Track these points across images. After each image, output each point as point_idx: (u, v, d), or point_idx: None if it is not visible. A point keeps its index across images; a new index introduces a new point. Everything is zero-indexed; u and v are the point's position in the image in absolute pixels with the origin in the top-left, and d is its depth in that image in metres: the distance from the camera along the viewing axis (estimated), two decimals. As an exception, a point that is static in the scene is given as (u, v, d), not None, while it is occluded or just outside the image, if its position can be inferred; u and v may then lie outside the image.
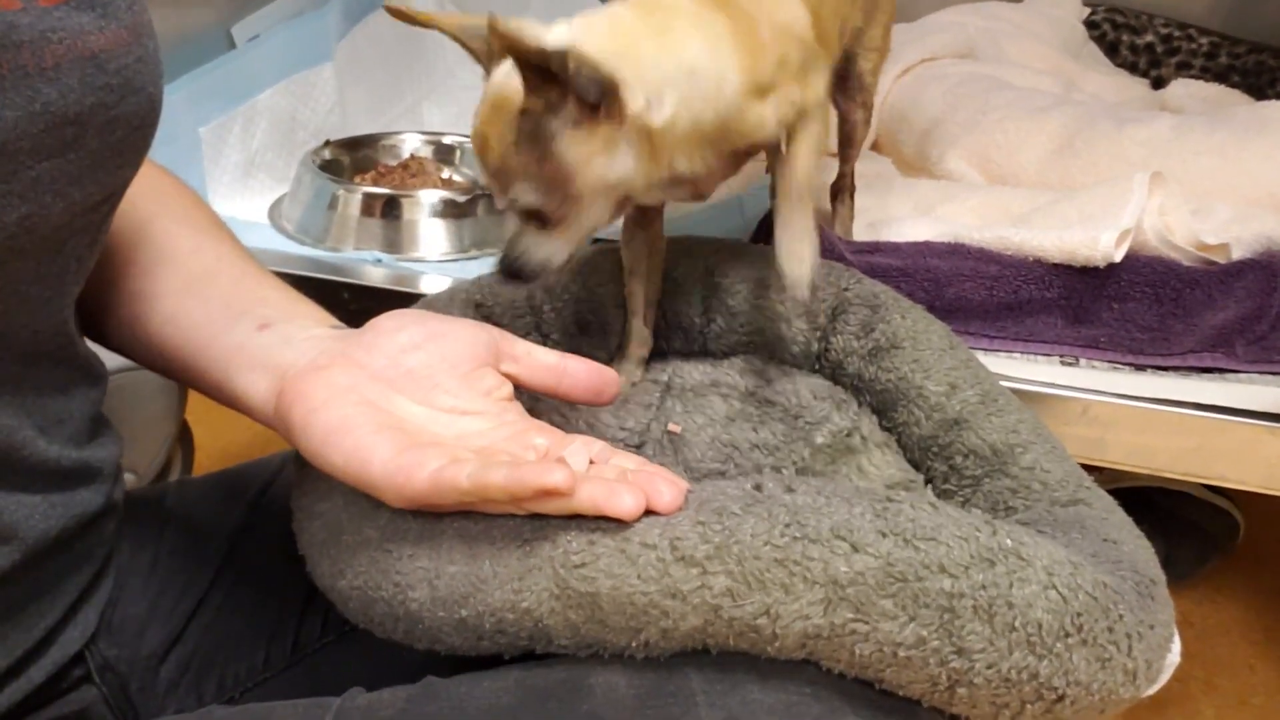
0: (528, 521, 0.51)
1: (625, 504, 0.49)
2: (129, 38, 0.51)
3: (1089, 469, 0.72)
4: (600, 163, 0.61)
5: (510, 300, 0.77)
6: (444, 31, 0.64)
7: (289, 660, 0.69)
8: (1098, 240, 0.87)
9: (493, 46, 0.58)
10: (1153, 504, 1.24)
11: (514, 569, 0.50)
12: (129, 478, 1.05)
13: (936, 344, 0.74)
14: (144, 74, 0.52)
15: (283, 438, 0.56)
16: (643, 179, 0.63)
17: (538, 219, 0.63)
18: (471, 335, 0.59)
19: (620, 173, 0.62)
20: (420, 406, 0.56)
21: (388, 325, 0.59)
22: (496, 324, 0.76)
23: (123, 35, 0.50)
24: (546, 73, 0.56)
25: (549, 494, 0.48)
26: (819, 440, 0.73)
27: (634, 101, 0.59)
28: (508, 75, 0.59)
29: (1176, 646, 0.57)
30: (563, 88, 0.57)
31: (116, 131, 0.51)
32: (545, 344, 0.78)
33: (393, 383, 0.56)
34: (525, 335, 0.76)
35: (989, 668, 0.49)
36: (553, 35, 0.59)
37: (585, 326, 0.79)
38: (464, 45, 0.64)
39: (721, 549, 0.48)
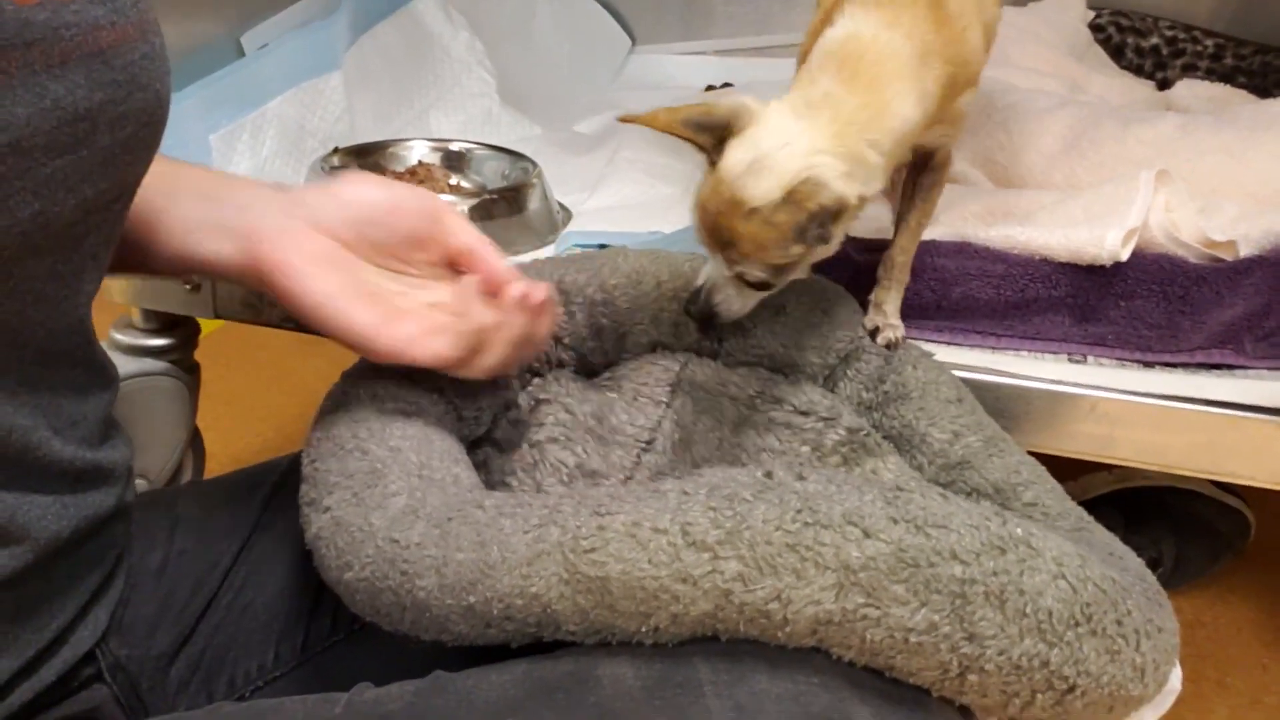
0: (536, 508, 0.52)
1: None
2: (135, 34, 0.51)
3: (1099, 466, 0.73)
4: (826, 249, 0.70)
5: None
6: (673, 133, 0.70)
7: (298, 659, 0.69)
8: (1104, 239, 0.87)
9: (723, 134, 0.68)
10: (1163, 503, 1.23)
11: (523, 554, 0.50)
12: (141, 483, 1.05)
13: (945, 395, 0.76)
14: (151, 70, 0.53)
15: (257, 291, 0.65)
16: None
17: (748, 282, 0.71)
18: (422, 209, 0.66)
19: (836, 247, 0.71)
20: (386, 277, 0.65)
21: (348, 195, 0.65)
22: None
23: (129, 32, 0.51)
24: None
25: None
26: (833, 439, 0.73)
27: (857, 207, 0.69)
28: (741, 168, 0.67)
29: (1178, 674, 0.58)
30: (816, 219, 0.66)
31: (126, 127, 0.52)
32: (557, 347, 0.78)
33: (358, 250, 0.64)
34: None
35: (1000, 654, 0.49)
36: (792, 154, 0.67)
37: (599, 331, 0.79)
38: (691, 140, 0.70)
39: (733, 534, 0.48)
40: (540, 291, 0.65)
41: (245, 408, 1.58)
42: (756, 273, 0.70)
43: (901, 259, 0.84)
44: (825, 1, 0.77)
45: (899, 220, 0.85)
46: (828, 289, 0.83)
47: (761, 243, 0.66)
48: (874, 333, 0.82)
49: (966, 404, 0.76)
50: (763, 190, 0.66)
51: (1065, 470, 0.83)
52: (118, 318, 1.06)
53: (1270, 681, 1.18)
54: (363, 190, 0.66)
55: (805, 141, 0.67)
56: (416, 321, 0.62)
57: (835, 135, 0.68)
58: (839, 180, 0.66)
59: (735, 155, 0.67)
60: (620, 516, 0.50)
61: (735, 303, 0.73)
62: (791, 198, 0.65)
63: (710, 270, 0.72)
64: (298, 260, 0.62)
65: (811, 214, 0.65)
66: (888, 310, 0.83)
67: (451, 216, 0.68)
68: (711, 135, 0.69)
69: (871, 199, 0.71)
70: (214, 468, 1.20)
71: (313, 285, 0.62)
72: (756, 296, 0.73)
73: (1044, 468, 0.74)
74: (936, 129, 0.78)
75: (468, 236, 0.67)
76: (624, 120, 0.71)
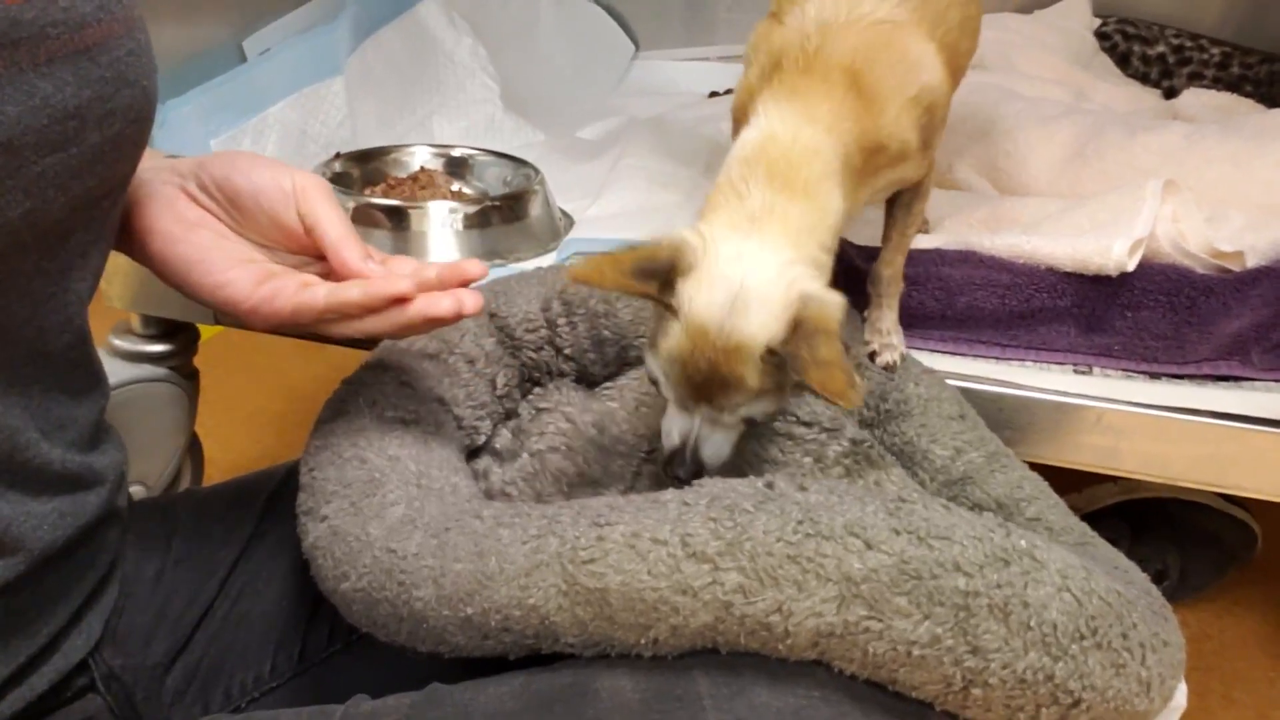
0: (535, 519, 0.51)
1: (444, 305, 0.58)
2: (121, 30, 0.52)
3: (1104, 478, 0.72)
4: None
5: (525, 313, 0.77)
6: (623, 290, 0.66)
7: (295, 670, 0.68)
8: (1110, 249, 0.86)
9: (668, 276, 0.64)
10: (1169, 515, 1.22)
11: (521, 565, 0.50)
12: (139, 489, 1.04)
13: (946, 411, 0.76)
14: (137, 67, 0.53)
15: (132, 258, 0.64)
16: None
17: (750, 420, 0.66)
18: (287, 189, 0.64)
19: None
20: (256, 246, 0.64)
21: (218, 173, 0.64)
22: (510, 334, 0.76)
23: (115, 28, 0.51)
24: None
25: (398, 301, 0.58)
26: (835, 450, 0.73)
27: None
28: (722, 310, 0.62)
29: (1183, 690, 0.57)
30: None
31: (115, 124, 0.52)
32: (558, 358, 0.78)
33: (232, 219, 0.64)
34: (539, 350, 0.77)
35: (1004, 668, 0.48)
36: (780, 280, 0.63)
37: (601, 343, 0.78)
38: (641, 293, 0.65)
39: (734, 545, 0.48)
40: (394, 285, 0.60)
41: (244, 414, 1.57)
42: (763, 408, 0.65)
43: (888, 272, 0.83)
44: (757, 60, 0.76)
45: (884, 236, 0.84)
46: None
47: (838, 390, 0.59)
48: (872, 355, 0.80)
49: (969, 420, 0.76)
50: (759, 324, 0.61)
51: (1070, 482, 0.83)
52: (116, 323, 1.06)
53: (1276, 696, 1.17)
54: (242, 167, 0.64)
55: (771, 260, 0.64)
56: (288, 279, 0.62)
57: (792, 244, 0.65)
58: (819, 286, 0.64)
59: (705, 297, 0.62)
60: (619, 527, 0.49)
61: (725, 446, 0.67)
62: (805, 327, 0.61)
63: (683, 424, 0.66)
64: (168, 225, 0.62)
65: (837, 333, 0.62)
66: (883, 328, 0.82)
67: (313, 204, 0.63)
68: (657, 280, 0.64)
69: None
70: (213, 474, 1.20)
71: (182, 250, 0.62)
72: (735, 434, 0.67)
73: (1047, 483, 0.73)
74: (864, 196, 0.76)
75: (329, 228, 0.63)
76: (573, 282, 0.68)
